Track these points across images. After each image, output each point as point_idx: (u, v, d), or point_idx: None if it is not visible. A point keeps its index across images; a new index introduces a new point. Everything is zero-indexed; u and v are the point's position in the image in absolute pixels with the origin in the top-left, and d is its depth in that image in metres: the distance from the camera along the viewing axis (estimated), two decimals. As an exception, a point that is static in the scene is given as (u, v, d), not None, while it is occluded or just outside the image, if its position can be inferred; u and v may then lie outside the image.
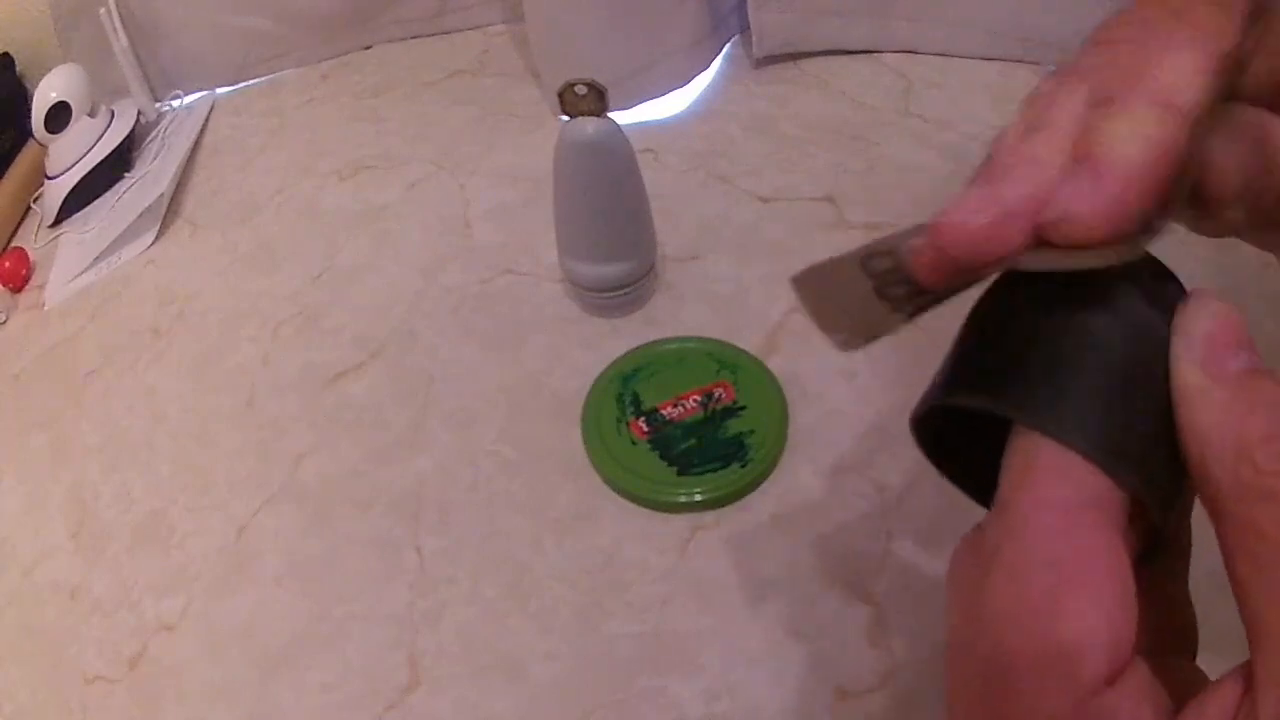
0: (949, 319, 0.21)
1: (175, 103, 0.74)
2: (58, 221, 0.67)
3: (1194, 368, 0.18)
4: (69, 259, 0.64)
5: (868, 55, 0.66)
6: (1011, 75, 0.62)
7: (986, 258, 0.19)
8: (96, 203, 0.67)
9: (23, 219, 0.69)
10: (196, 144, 0.70)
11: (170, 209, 0.65)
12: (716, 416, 0.45)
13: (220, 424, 0.51)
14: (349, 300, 0.56)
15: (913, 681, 0.36)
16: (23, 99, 0.71)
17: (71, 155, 0.65)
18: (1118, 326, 0.19)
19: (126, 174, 0.68)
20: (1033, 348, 0.19)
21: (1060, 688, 0.16)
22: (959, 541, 0.20)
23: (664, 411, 0.45)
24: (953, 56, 0.64)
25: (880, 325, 0.21)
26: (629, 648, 0.39)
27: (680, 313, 0.51)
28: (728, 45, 0.69)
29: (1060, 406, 0.18)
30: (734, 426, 0.44)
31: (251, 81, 0.75)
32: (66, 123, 0.65)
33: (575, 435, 0.46)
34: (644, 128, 0.63)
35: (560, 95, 0.43)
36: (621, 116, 0.45)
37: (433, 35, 0.76)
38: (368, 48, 0.76)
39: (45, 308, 0.61)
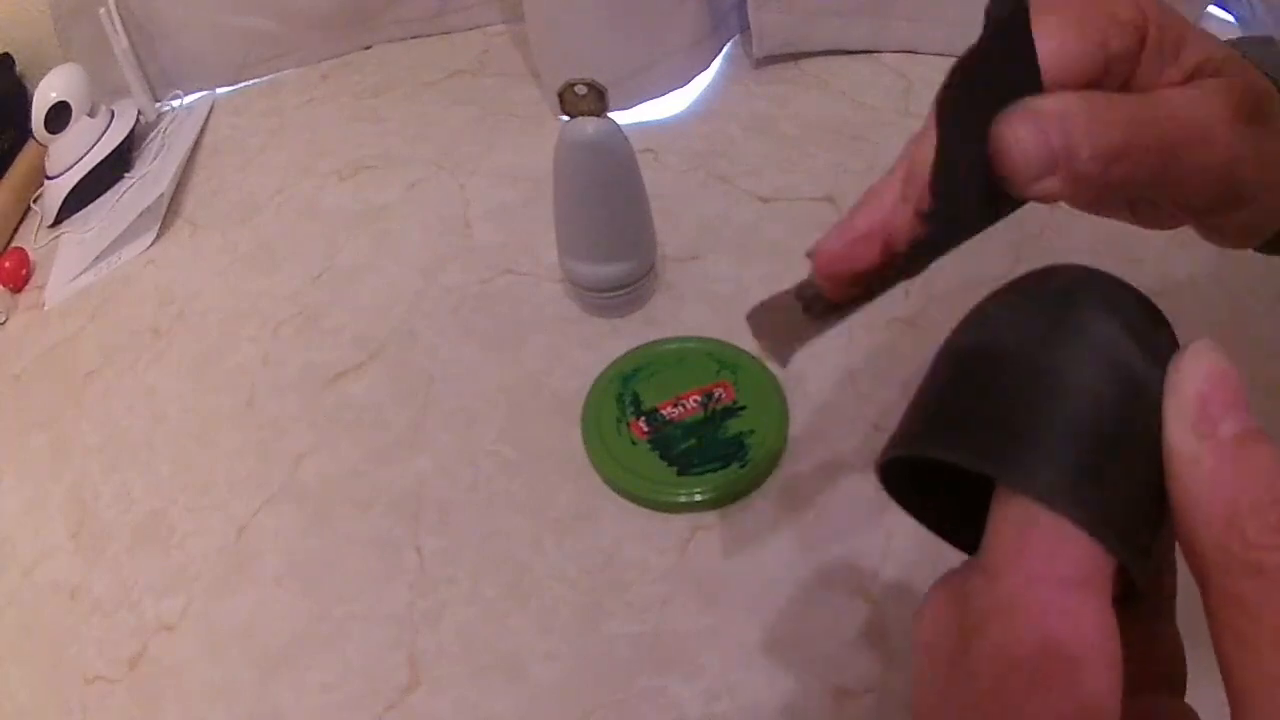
0: (951, 318, 0.21)
1: (175, 103, 0.74)
2: (58, 221, 0.67)
3: (1185, 432, 0.17)
4: (69, 259, 0.64)
5: (868, 55, 0.66)
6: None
7: (847, 272, 0.24)
8: (96, 203, 0.67)
9: (23, 219, 0.69)
10: (196, 144, 0.70)
11: (170, 209, 0.65)
12: (716, 416, 0.45)
13: (220, 424, 0.51)
14: (349, 300, 0.56)
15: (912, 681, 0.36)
16: (23, 99, 0.71)
17: (71, 155, 0.65)
18: (1106, 379, 0.18)
19: (126, 174, 0.68)
20: (1016, 399, 0.18)
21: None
22: (931, 592, 0.20)
23: (664, 411, 0.45)
24: (953, 56, 0.64)
25: (803, 332, 0.26)
26: (629, 648, 0.39)
27: (680, 313, 0.51)
28: (728, 45, 0.69)
29: (1049, 470, 0.17)
30: (734, 426, 0.44)
31: (251, 81, 0.75)
32: (66, 123, 0.65)
33: (575, 435, 0.46)
34: (644, 128, 0.63)
35: (560, 95, 0.43)
36: (621, 116, 0.45)
37: (433, 35, 0.76)
38: (368, 48, 0.76)
39: (45, 308, 0.61)
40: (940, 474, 0.20)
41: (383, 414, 0.49)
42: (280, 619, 0.42)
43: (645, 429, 0.45)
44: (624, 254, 0.49)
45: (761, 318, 0.27)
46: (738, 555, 0.41)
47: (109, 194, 0.67)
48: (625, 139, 0.46)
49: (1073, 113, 0.21)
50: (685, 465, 0.43)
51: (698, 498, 0.42)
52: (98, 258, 0.62)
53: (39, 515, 0.49)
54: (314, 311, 0.55)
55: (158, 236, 0.63)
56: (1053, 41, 0.22)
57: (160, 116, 0.73)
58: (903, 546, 0.40)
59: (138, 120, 0.70)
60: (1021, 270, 0.21)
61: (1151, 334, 0.19)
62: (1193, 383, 0.18)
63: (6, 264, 0.63)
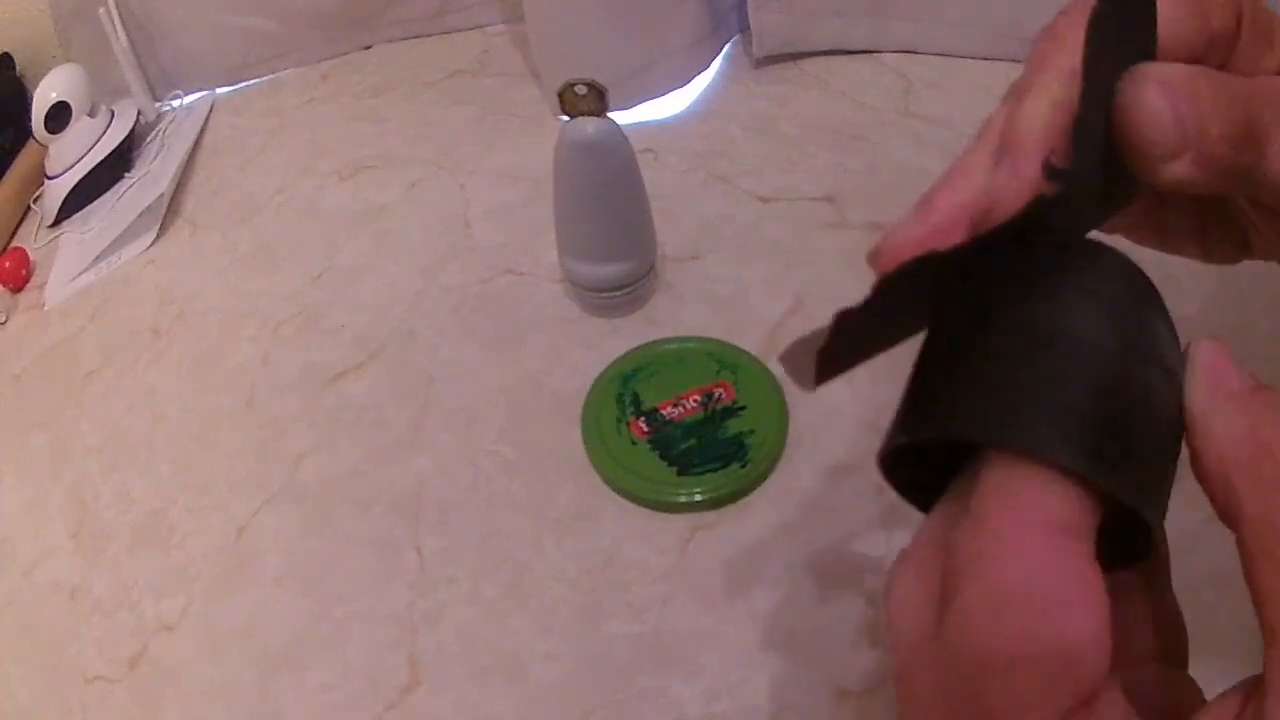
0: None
1: (175, 103, 0.74)
2: (58, 221, 0.67)
3: (1204, 390, 0.18)
4: (69, 259, 0.64)
5: (868, 55, 0.66)
6: (1011, 75, 0.62)
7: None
8: (96, 203, 0.67)
9: (23, 219, 0.69)
10: (196, 144, 0.70)
11: (170, 209, 0.65)
12: (716, 416, 0.45)
13: (220, 424, 0.51)
14: (349, 300, 0.56)
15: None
16: (23, 99, 0.71)
17: (71, 155, 0.65)
18: (1102, 330, 0.18)
19: (126, 174, 0.68)
20: (998, 358, 0.18)
21: (1040, 706, 0.16)
22: (905, 552, 0.20)
23: (664, 411, 0.45)
24: (953, 56, 0.64)
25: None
26: (629, 648, 0.39)
27: (680, 313, 0.51)
28: (728, 45, 0.69)
29: (1034, 421, 0.17)
30: (734, 426, 0.44)
31: (251, 81, 0.75)
32: (66, 123, 0.65)
33: (575, 435, 0.46)
34: (644, 128, 0.63)
35: (560, 95, 0.43)
36: (621, 116, 0.45)
37: (433, 35, 0.76)
38: (368, 48, 0.76)
39: (45, 308, 0.61)
40: (939, 456, 0.20)
41: (383, 414, 0.49)
42: (280, 619, 0.42)
43: (645, 429, 0.45)
44: (624, 254, 0.49)
45: (797, 358, 0.23)
46: (738, 555, 0.41)
47: (109, 194, 0.67)
48: (625, 139, 0.46)
49: (1200, 85, 0.19)
50: (685, 465, 0.43)
51: (698, 498, 0.42)
52: (98, 258, 0.62)
53: (39, 515, 0.49)
54: (314, 311, 0.55)
55: (158, 236, 0.63)
56: (1163, 7, 0.20)
57: (160, 116, 0.73)
58: (903, 546, 0.40)
59: (138, 120, 0.70)
60: None
61: (1146, 300, 0.19)
62: (1200, 359, 0.19)
63: (6, 264, 0.63)
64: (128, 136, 0.68)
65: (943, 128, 0.60)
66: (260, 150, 0.69)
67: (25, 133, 0.68)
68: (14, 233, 0.68)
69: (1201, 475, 0.18)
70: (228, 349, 0.55)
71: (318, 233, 0.61)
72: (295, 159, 0.67)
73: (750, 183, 0.58)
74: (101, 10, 0.67)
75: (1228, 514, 0.17)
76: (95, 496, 0.49)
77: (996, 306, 0.19)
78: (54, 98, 0.63)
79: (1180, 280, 0.45)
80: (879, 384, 0.46)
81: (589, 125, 0.44)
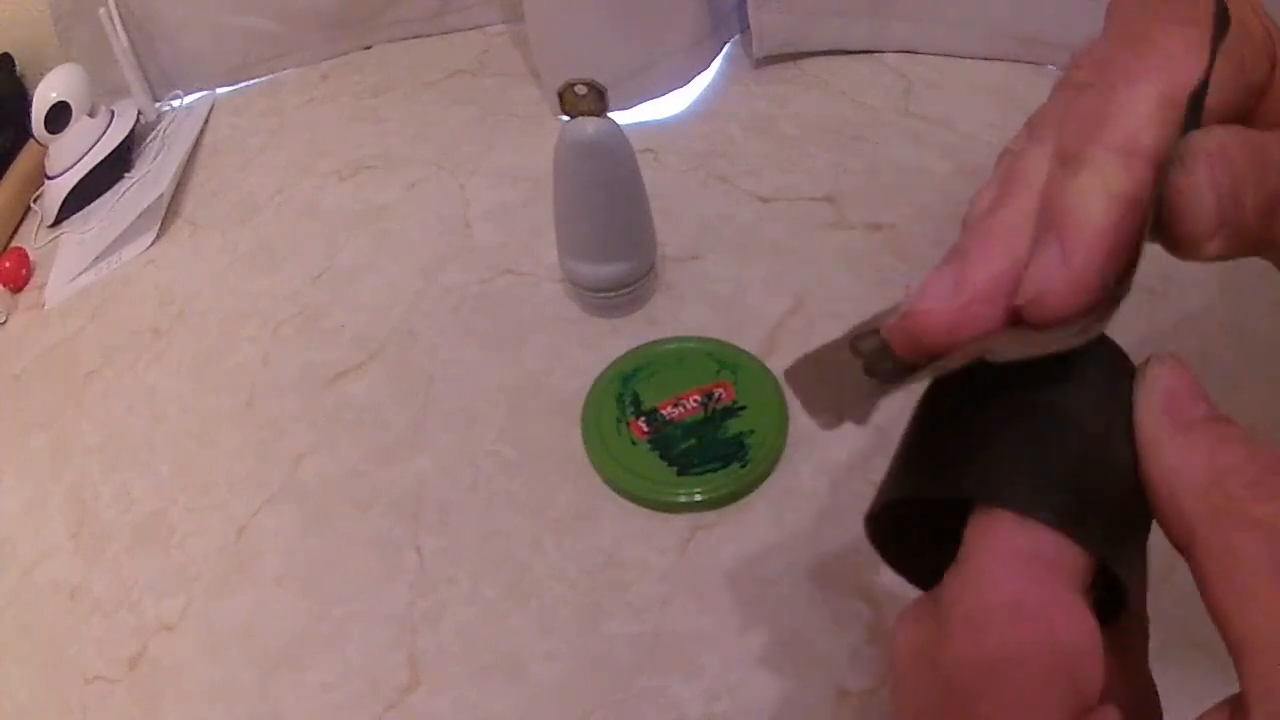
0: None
1: (175, 103, 0.74)
2: (58, 221, 0.67)
3: (1159, 418, 0.18)
4: (69, 259, 0.64)
5: (868, 55, 0.66)
6: (1011, 75, 0.62)
7: (959, 341, 0.19)
8: (96, 203, 0.67)
9: (23, 219, 0.69)
10: (196, 144, 0.70)
11: (170, 209, 0.65)
12: (716, 416, 0.45)
13: (220, 424, 0.51)
14: (349, 300, 0.56)
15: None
16: (23, 99, 0.71)
17: (71, 155, 0.65)
18: (1074, 397, 0.19)
19: (126, 174, 0.68)
20: (988, 430, 0.19)
21: (1033, 711, 0.16)
22: (902, 613, 0.20)
23: (664, 411, 0.45)
24: (953, 56, 0.64)
25: (864, 399, 0.21)
26: (629, 648, 0.39)
27: (680, 313, 0.51)
28: (728, 45, 0.69)
29: (1020, 483, 0.18)
30: (734, 426, 0.44)
31: (251, 81, 0.75)
32: (66, 123, 0.65)
33: (575, 435, 0.46)
34: (644, 128, 0.63)
35: (560, 95, 0.43)
36: (621, 116, 0.45)
37: (433, 35, 0.76)
38: (368, 48, 0.76)
39: (45, 308, 0.61)
40: (928, 522, 0.20)
41: (383, 414, 0.49)
42: (280, 619, 0.42)
43: (645, 429, 0.45)
44: (624, 254, 0.49)
45: (806, 376, 0.22)
46: (738, 555, 0.41)
47: (109, 194, 0.67)
48: (625, 139, 0.46)
49: (1233, 153, 0.18)
50: (685, 465, 0.43)
51: (698, 498, 0.42)
52: (98, 258, 0.62)
53: (39, 515, 0.49)
54: (314, 311, 0.56)
55: (158, 236, 0.63)
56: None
57: (160, 116, 0.73)
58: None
59: (138, 120, 0.70)
60: None
61: (1110, 351, 0.19)
62: (1160, 380, 0.18)
63: (6, 264, 0.63)
64: (128, 136, 0.68)
65: (943, 128, 0.60)
66: (260, 150, 0.69)
67: (25, 133, 0.68)
68: (14, 233, 0.68)
69: (1152, 496, 0.18)
70: (228, 349, 0.55)
71: (318, 233, 0.61)
72: (295, 159, 0.67)
73: (750, 183, 0.58)
74: (101, 10, 0.67)
75: (1180, 540, 0.17)
76: (95, 496, 0.49)
77: (998, 384, 0.19)
78: (54, 98, 0.63)
79: (1180, 280, 0.45)
80: (879, 384, 0.46)
81: (589, 125, 0.44)
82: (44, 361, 0.58)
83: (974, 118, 0.60)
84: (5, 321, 0.61)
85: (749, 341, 0.48)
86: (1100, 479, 0.18)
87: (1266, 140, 0.19)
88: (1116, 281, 0.18)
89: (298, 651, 0.41)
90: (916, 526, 0.21)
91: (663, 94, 0.65)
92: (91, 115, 0.66)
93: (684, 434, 0.44)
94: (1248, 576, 0.16)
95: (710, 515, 0.42)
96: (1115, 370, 0.19)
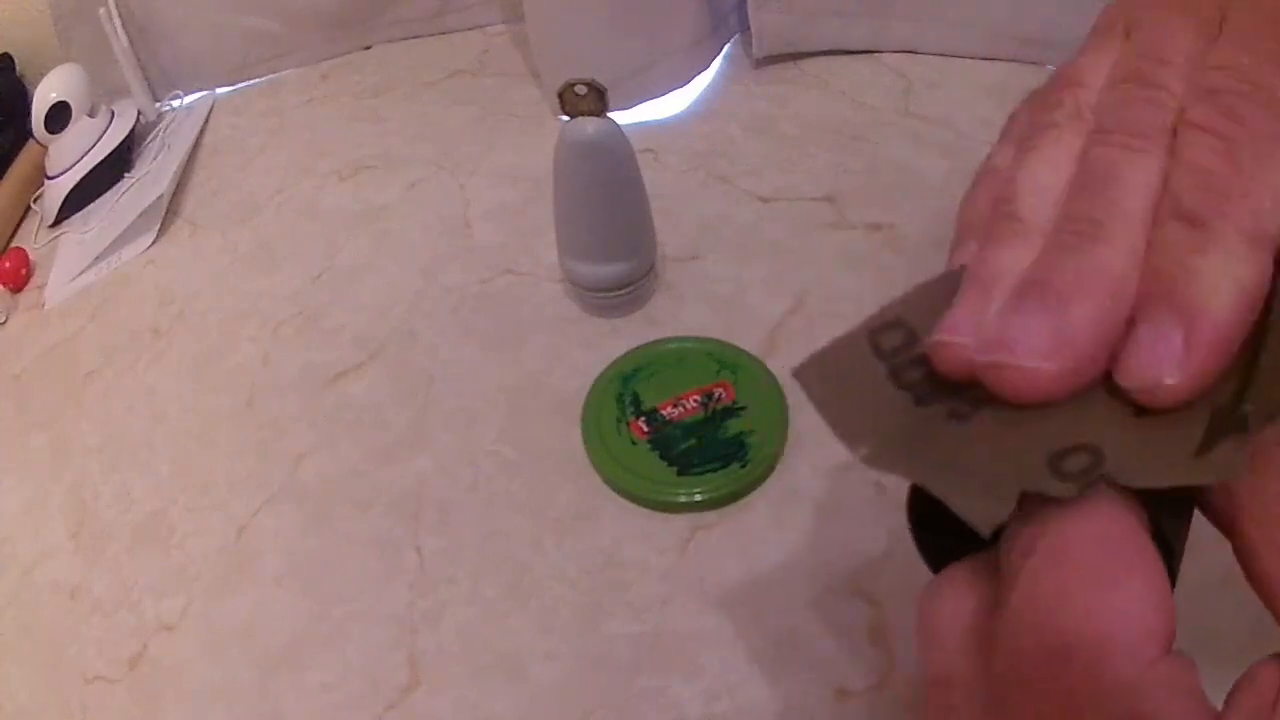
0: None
1: (175, 103, 0.74)
2: (58, 221, 0.67)
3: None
4: (69, 259, 0.64)
5: (868, 55, 0.66)
6: (1011, 75, 0.62)
7: (1044, 401, 0.17)
8: (96, 203, 0.67)
9: (23, 219, 0.69)
10: (196, 144, 0.70)
11: (170, 209, 0.65)
12: (716, 416, 0.45)
13: (220, 424, 0.51)
14: (349, 300, 0.56)
15: (913, 681, 0.36)
16: (23, 99, 0.71)
17: (71, 155, 0.65)
18: None
19: (126, 174, 0.68)
20: None
21: (1122, 660, 0.16)
22: (935, 583, 0.19)
23: (664, 411, 0.45)
24: (953, 56, 0.64)
25: (913, 431, 0.18)
26: (629, 648, 0.39)
27: (680, 313, 0.51)
28: (728, 45, 0.69)
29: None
30: (734, 426, 0.44)
31: (251, 81, 0.75)
32: (66, 123, 0.65)
33: (575, 435, 0.46)
34: (644, 128, 0.63)
35: (560, 95, 0.43)
36: (621, 116, 0.45)
37: (433, 35, 0.76)
38: (368, 48, 0.76)
39: (45, 308, 0.61)
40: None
41: (383, 414, 0.49)
42: (280, 619, 0.42)
43: (645, 429, 0.45)
44: (624, 254, 0.49)
45: (821, 377, 0.19)
46: (738, 555, 0.41)
47: (109, 194, 0.67)
48: (625, 139, 0.46)
49: None
50: (685, 465, 0.43)
51: (698, 498, 0.42)
52: (98, 258, 0.62)
53: (39, 515, 0.49)
54: (314, 311, 0.55)
55: (158, 236, 0.63)
56: None
57: (160, 116, 0.73)
58: (903, 547, 0.40)
59: (138, 120, 0.70)
60: None
61: None
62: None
63: (6, 264, 0.63)
64: (128, 136, 0.68)
65: (943, 128, 0.60)
66: (260, 150, 0.69)
67: (25, 133, 0.68)
68: (14, 233, 0.68)
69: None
70: (228, 349, 0.55)
71: (318, 233, 0.61)
72: (295, 159, 0.67)
73: (750, 183, 0.58)
74: (101, 10, 0.67)
75: (1220, 507, 0.17)
76: (95, 496, 0.49)
77: None
78: (54, 98, 0.63)
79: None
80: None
81: (589, 125, 0.44)
82: (44, 361, 0.58)
83: (974, 118, 0.60)
84: (5, 321, 0.61)
85: (749, 341, 0.48)
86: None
87: None
88: (1236, 393, 0.16)
89: (298, 651, 0.41)
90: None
91: (663, 94, 0.65)
92: (91, 115, 0.66)
93: (684, 434, 0.44)
94: None
95: (710, 515, 0.42)
96: None
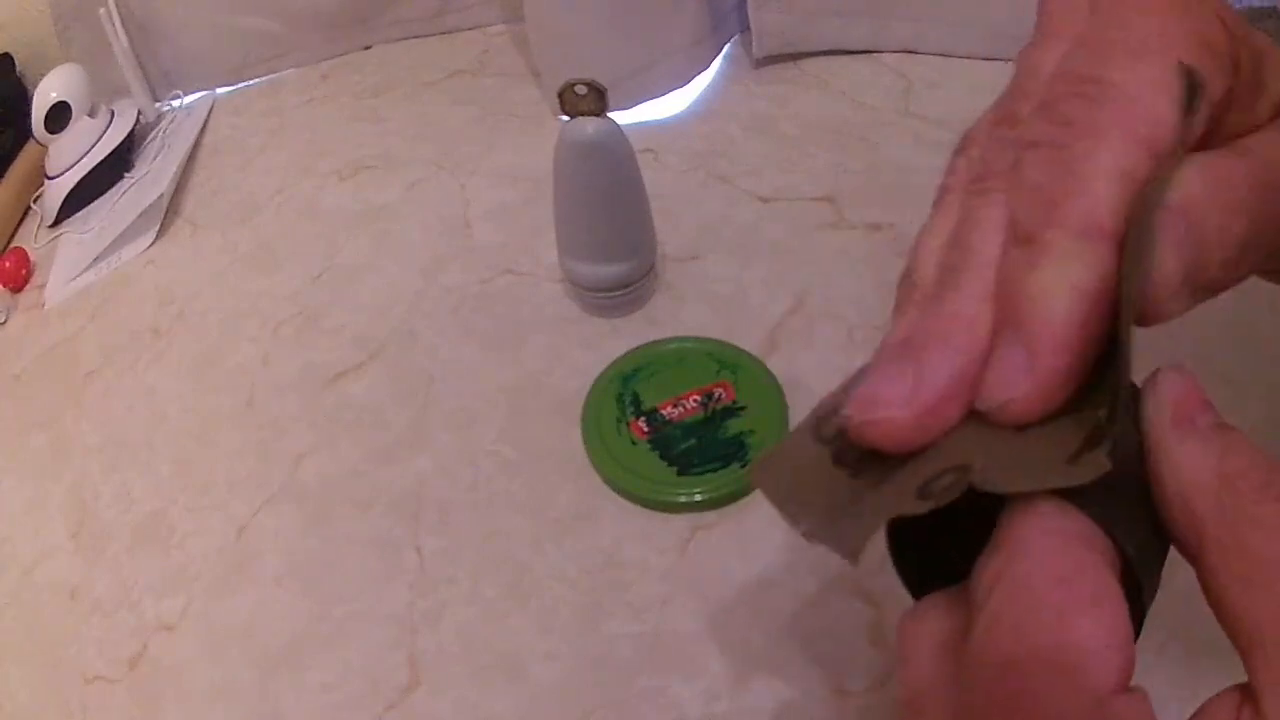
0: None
1: (175, 103, 0.74)
2: (58, 221, 0.67)
3: (1166, 427, 0.18)
4: (69, 259, 0.64)
5: (868, 55, 0.66)
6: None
7: (922, 446, 0.18)
8: (96, 203, 0.67)
9: (23, 219, 0.69)
10: (196, 144, 0.70)
11: (170, 209, 0.65)
12: (716, 416, 0.45)
13: (220, 424, 0.51)
14: (349, 300, 0.56)
15: (913, 681, 0.36)
16: (23, 99, 0.71)
17: (71, 155, 0.65)
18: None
19: (126, 174, 0.68)
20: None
21: (1076, 693, 0.16)
22: (914, 608, 0.20)
23: (664, 411, 0.45)
24: (953, 56, 0.64)
25: (845, 499, 0.19)
26: (629, 648, 0.39)
27: (680, 313, 0.51)
28: (728, 45, 0.69)
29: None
30: (734, 426, 0.44)
31: (251, 81, 0.75)
32: (66, 123, 0.65)
33: (575, 435, 0.46)
34: (644, 128, 0.63)
35: (560, 95, 0.43)
36: (621, 116, 0.45)
37: (433, 35, 0.76)
38: (368, 48, 0.76)
39: (45, 308, 0.61)
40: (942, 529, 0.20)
41: (383, 414, 0.49)
42: (280, 619, 0.42)
43: (645, 429, 0.45)
44: (624, 254, 0.49)
45: (776, 474, 0.20)
46: (738, 555, 0.41)
47: (109, 194, 0.67)
48: (625, 139, 0.46)
49: (1198, 209, 0.17)
50: (685, 465, 0.43)
51: (698, 498, 0.42)
52: (98, 258, 0.62)
53: (39, 515, 0.49)
54: (314, 311, 0.56)
55: (158, 236, 0.63)
56: (1164, 96, 0.18)
57: (160, 116, 0.73)
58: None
59: (138, 120, 0.70)
60: None
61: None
62: (1168, 390, 0.18)
63: (6, 264, 0.63)
64: (128, 136, 0.68)
65: (943, 128, 0.60)
66: (260, 150, 0.69)
67: (25, 133, 0.68)
68: (14, 233, 0.68)
69: (1161, 499, 0.18)
70: (228, 349, 0.55)
71: (318, 233, 0.61)
72: (295, 159, 0.67)
73: (750, 183, 0.58)
74: (101, 10, 0.67)
75: (1189, 541, 0.18)
76: (95, 496, 0.49)
77: None
78: (54, 98, 0.63)
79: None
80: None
81: (589, 125, 0.44)
82: (44, 361, 0.58)
83: (974, 118, 0.59)
84: (5, 321, 0.61)
85: (749, 341, 0.48)
86: (1125, 486, 0.18)
87: (1231, 171, 0.18)
88: (1099, 375, 0.18)
89: (298, 651, 0.41)
90: (931, 532, 0.21)
91: (663, 94, 0.65)
92: (91, 115, 0.66)
93: (684, 434, 0.44)
94: (1259, 571, 0.16)
95: (710, 515, 0.42)
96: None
